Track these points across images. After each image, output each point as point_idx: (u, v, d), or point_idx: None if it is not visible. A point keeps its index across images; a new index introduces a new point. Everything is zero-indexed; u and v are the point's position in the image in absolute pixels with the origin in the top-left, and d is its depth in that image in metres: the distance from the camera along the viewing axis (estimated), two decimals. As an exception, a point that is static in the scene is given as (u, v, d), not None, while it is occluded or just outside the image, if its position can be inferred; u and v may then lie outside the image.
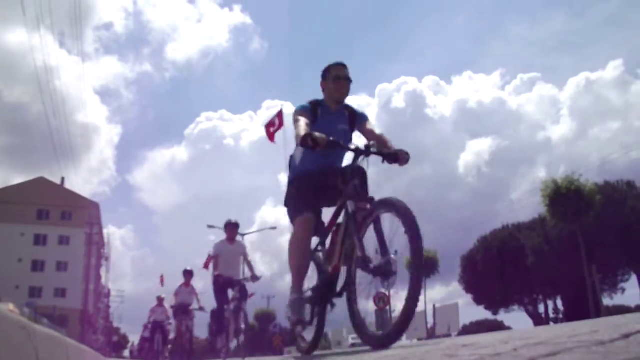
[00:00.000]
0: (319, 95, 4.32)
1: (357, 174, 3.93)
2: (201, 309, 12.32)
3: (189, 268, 13.01)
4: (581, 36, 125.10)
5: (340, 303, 4.12)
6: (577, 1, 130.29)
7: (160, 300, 15.82)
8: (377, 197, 3.80)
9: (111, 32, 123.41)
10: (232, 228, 9.53)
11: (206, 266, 13.53)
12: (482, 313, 45.61)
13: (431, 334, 32.74)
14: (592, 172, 50.79)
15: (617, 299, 37.84)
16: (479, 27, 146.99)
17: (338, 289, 4.02)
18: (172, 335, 15.59)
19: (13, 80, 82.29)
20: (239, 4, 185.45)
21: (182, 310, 12.40)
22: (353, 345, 30.48)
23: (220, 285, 8.98)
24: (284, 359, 6.33)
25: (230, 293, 8.95)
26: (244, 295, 8.87)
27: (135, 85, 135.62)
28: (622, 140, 71.21)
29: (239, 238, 9.87)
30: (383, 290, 3.79)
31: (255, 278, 8.94)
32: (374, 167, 4.01)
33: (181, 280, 12.75)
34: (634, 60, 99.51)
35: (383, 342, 3.35)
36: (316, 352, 4.65)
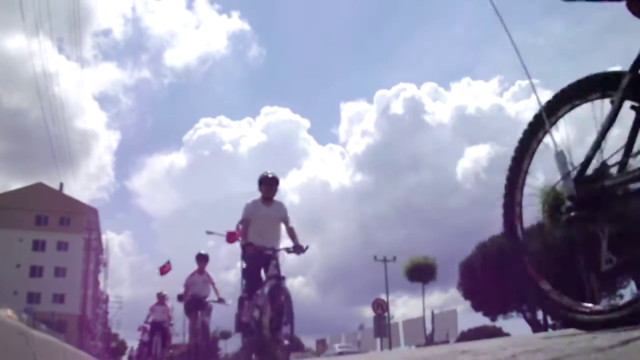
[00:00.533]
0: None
1: None
2: (220, 300, 10.32)
3: (203, 252, 10.97)
4: (579, 44, 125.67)
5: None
6: (575, 10, 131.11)
7: (160, 297, 14.53)
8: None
9: (109, 38, 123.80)
10: (269, 184, 7.06)
11: (232, 239, 11.53)
12: (480, 319, 45.58)
13: (429, 341, 32.67)
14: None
15: (616, 306, 37.84)
16: (477, 34, 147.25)
17: None
18: (174, 340, 15.01)
19: (12, 86, 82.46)
20: (237, 11, 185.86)
21: (197, 304, 10.23)
22: (340, 353, 30.23)
23: (251, 257, 6.74)
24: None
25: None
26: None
27: (133, 91, 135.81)
28: (619, 146, 71.36)
29: (277, 198, 7.24)
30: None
31: (299, 249, 6.66)
32: None
33: (187, 270, 10.96)
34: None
35: None
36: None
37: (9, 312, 17.69)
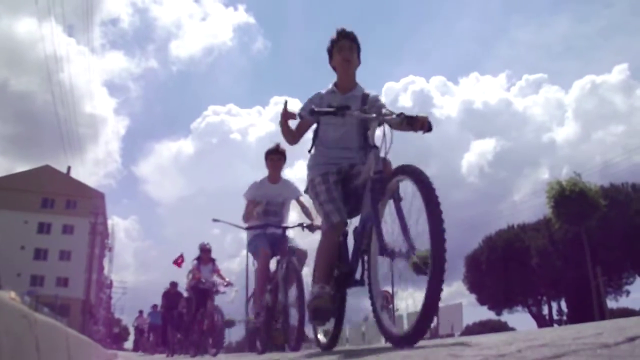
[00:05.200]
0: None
1: None
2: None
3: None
4: (587, 40, 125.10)
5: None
6: (582, 7, 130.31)
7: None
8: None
9: (117, 27, 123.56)
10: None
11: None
12: (485, 313, 45.54)
13: (434, 334, 32.69)
14: (595, 174, 50.48)
15: (622, 302, 37.79)
16: (486, 29, 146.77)
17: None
18: None
19: (20, 69, 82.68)
20: (243, 4, 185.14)
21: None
22: None
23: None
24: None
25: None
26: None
27: (141, 80, 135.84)
28: (625, 143, 71.14)
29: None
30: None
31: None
32: None
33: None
34: (639, 65, 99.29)
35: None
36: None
37: (12, 294, 17.75)
